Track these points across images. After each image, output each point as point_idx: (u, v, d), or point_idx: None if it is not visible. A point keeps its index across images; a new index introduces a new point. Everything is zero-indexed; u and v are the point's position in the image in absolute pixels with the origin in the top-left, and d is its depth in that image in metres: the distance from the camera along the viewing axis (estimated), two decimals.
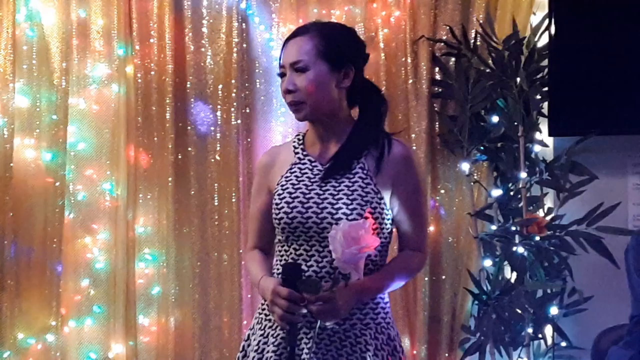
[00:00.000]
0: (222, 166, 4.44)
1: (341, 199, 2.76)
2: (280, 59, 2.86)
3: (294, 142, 2.95)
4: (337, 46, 2.83)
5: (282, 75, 2.85)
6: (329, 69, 2.80)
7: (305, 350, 2.75)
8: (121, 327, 4.41)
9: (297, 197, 2.79)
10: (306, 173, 2.85)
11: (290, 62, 2.80)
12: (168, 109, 4.43)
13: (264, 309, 2.87)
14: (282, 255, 2.83)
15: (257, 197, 2.97)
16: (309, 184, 2.82)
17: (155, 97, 4.44)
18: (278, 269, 2.81)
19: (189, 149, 4.46)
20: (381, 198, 2.80)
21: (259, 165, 3.02)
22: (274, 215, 2.83)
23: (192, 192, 4.44)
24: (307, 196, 2.79)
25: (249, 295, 4.42)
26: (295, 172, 2.86)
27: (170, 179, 4.42)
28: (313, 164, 2.86)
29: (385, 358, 2.82)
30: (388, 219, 2.83)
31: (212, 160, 4.44)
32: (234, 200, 4.41)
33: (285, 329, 2.71)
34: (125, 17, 4.42)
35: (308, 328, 2.76)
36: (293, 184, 2.83)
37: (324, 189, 2.80)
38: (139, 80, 4.44)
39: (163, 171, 4.44)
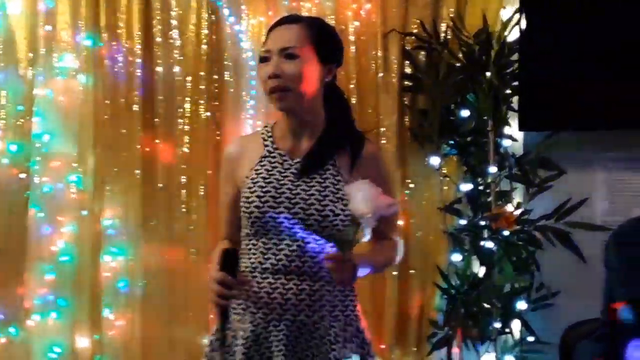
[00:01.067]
0: (191, 159, 4.42)
1: (313, 195, 2.77)
2: (265, 43, 2.82)
3: (263, 133, 2.93)
4: (326, 41, 2.84)
5: (265, 59, 2.80)
6: (317, 61, 2.80)
7: (275, 343, 2.77)
8: (86, 320, 4.40)
9: (269, 191, 2.79)
10: (277, 167, 2.84)
11: (279, 47, 2.77)
12: (136, 100, 4.41)
13: (233, 307, 2.86)
14: (249, 249, 2.83)
15: (225, 188, 2.96)
16: (280, 178, 2.81)
17: (122, 89, 4.44)
18: (250, 259, 2.81)
19: (157, 141, 4.44)
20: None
21: (226, 156, 3.00)
22: (244, 209, 2.82)
23: (160, 185, 4.43)
24: (279, 191, 2.79)
25: None
26: (265, 165, 2.85)
27: (137, 171, 4.41)
28: (283, 158, 2.85)
29: (354, 350, 2.84)
30: None
31: (180, 153, 4.42)
32: (202, 193, 4.41)
33: (218, 313, 2.72)
34: (93, 7, 4.40)
35: (278, 320, 2.77)
36: (264, 178, 2.81)
37: (295, 184, 2.80)
38: (107, 72, 4.41)
39: (130, 164, 4.42)
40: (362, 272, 2.75)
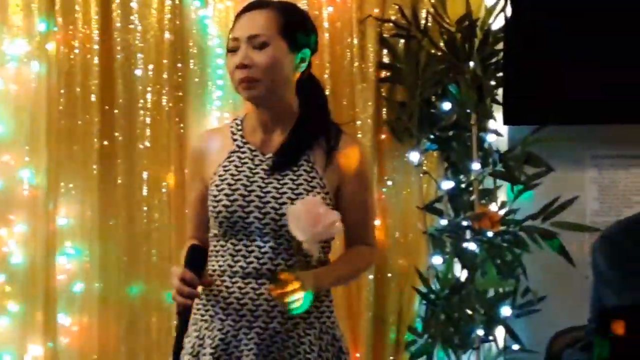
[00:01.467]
0: (152, 154, 4.36)
1: (285, 193, 2.76)
2: (233, 31, 2.80)
3: (232, 127, 2.92)
4: (298, 27, 2.84)
5: (232, 49, 2.78)
6: (288, 49, 2.79)
7: (245, 352, 2.76)
8: (39, 327, 4.31)
9: (238, 189, 2.78)
10: (246, 163, 2.82)
11: (248, 35, 2.75)
12: (93, 90, 4.33)
13: (199, 309, 2.85)
14: (217, 251, 2.82)
15: (192, 185, 2.97)
16: (250, 175, 2.80)
17: (79, 77, 4.36)
18: (218, 262, 2.81)
19: (116, 134, 4.37)
20: (327, 193, 2.81)
21: (193, 151, 3.03)
22: (211, 208, 2.81)
23: (119, 182, 4.36)
24: (249, 189, 2.78)
25: None
26: (234, 161, 2.83)
27: (95, 166, 4.34)
28: (254, 153, 2.83)
29: (330, 359, 2.85)
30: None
31: (141, 147, 4.36)
32: (164, 190, 4.35)
33: (177, 312, 2.71)
34: None
35: (249, 328, 2.75)
36: (233, 175, 2.80)
37: (266, 181, 2.79)
38: (62, 59, 4.34)
39: (87, 158, 4.35)
40: (323, 285, 2.79)
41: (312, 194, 2.75)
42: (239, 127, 2.89)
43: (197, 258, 2.72)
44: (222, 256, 2.79)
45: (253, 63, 2.74)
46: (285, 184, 2.78)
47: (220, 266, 2.79)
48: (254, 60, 2.74)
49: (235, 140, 2.87)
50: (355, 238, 2.91)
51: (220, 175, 2.82)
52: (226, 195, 2.77)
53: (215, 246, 2.84)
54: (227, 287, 2.77)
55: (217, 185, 2.81)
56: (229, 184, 2.79)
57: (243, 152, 2.84)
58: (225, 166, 2.83)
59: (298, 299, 2.65)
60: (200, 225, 2.92)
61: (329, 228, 2.65)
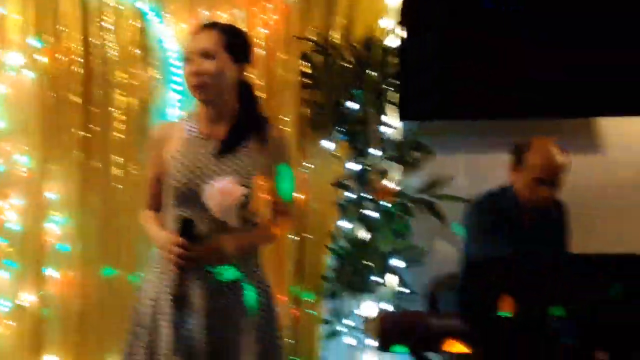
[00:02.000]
0: (123, 142, 4.48)
1: (228, 172, 2.83)
2: (187, 46, 2.91)
3: (184, 119, 2.98)
4: (239, 43, 2.92)
5: (186, 60, 2.88)
6: (231, 60, 2.86)
7: (196, 298, 2.82)
8: (32, 279, 4.43)
9: (190, 168, 2.84)
10: (196, 148, 2.89)
11: (199, 50, 2.84)
12: (76, 93, 4.46)
13: (158, 263, 2.92)
14: (171, 217, 2.87)
15: (152, 166, 3.00)
16: (200, 157, 2.86)
17: (64, 82, 4.47)
18: (172, 227, 2.85)
19: (94, 126, 4.49)
20: (261, 173, 2.90)
21: (153, 138, 3.04)
22: (167, 183, 2.88)
23: (97, 164, 4.48)
24: (197, 166, 2.85)
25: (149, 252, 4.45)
26: (186, 146, 2.89)
27: (76, 153, 4.46)
28: (202, 140, 2.90)
29: (262, 303, 2.92)
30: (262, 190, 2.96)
31: (116, 138, 4.48)
32: (134, 172, 4.46)
33: (178, 274, 2.78)
34: (39, 13, 4.44)
35: (198, 279, 2.82)
36: (185, 156, 2.87)
37: (213, 164, 2.86)
38: (50, 68, 4.46)
39: (71, 147, 4.47)
40: (235, 248, 2.82)
41: (247, 174, 2.81)
42: (190, 120, 2.93)
43: (189, 227, 2.75)
44: (175, 221, 2.82)
45: (203, 71, 2.81)
46: (228, 165, 2.83)
47: (173, 229, 2.81)
48: (204, 69, 2.81)
49: (187, 130, 2.90)
50: (277, 209, 2.96)
51: (175, 157, 2.86)
52: (180, 172, 2.82)
53: (168, 212, 2.88)
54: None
55: (173, 165, 2.85)
56: (182, 164, 2.83)
57: (193, 140, 2.89)
58: (179, 150, 2.87)
59: (219, 270, 2.77)
60: (157, 198, 2.95)
61: (235, 201, 2.71)
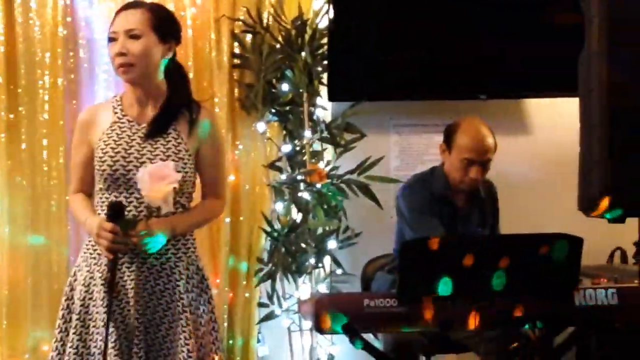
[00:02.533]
0: (50, 124, 4.40)
1: (158, 155, 2.83)
2: (112, 25, 2.87)
3: (112, 103, 2.95)
4: (165, 22, 2.90)
5: (112, 39, 2.85)
6: (158, 40, 2.85)
7: (128, 282, 2.83)
8: None
9: (119, 152, 2.83)
10: (125, 131, 2.88)
11: (124, 29, 2.82)
12: (1, 73, 4.36)
13: (88, 248, 2.92)
14: (103, 202, 2.88)
15: (79, 149, 2.97)
16: (129, 141, 2.85)
17: None
18: (103, 211, 2.85)
19: (20, 108, 4.40)
20: (190, 155, 2.89)
21: (80, 122, 3.00)
22: (97, 167, 2.86)
23: (24, 147, 4.41)
24: (128, 151, 2.84)
25: (73, 232, 4.43)
26: (115, 129, 2.88)
27: (2, 135, 4.37)
28: (131, 123, 2.89)
29: (196, 285, 2.94)
30: (194, 172, 2.94)
31: (41, 119, 4.40)
32: (61, 154, 4.40)
33: (109, 259, 2.77)
34: None
35: (130, 263, 2.83)
36: (115, 140, 2.85)
37: (142, 146, 2.85)
38: None
39: None
40: (177, 230, 2.83)
41: (177, 157, 2.81)
42: (119, 103, 2.93)
43: (118, 212, 2.76)
44: (107, 206, 2.82)
45: (129, 51, 2.80)
46: (158, 148, 2.83)
47: (105, 214, 2.82)
48: (129, 49, 2.80)
49: (115, 113, 2.90)
50: (209, 192, 2.99)
51: (104, 141, 2.85)
52: (110, 156, 2.82)
53: (100, 198, 2.89)
54: None
55: (102, 149, 2.84)
56: (112, 148, 2.83)
57: (122, 123, 2.88)
58: (108, 134, 2.86)
59: (148, 242, 2.75)
60: (85, 181, 2.96)
61: (167, 186, 2.73)
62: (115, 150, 2.83)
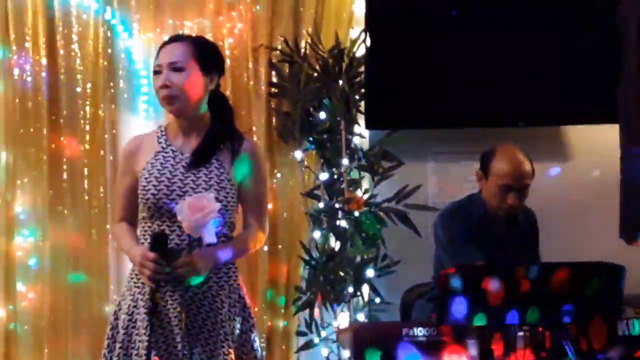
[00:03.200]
0: (91, 154, 4.46)
1: (200, 184, 2.85)
2: (157, 59, 2.90)
3: (157, 133, 2.99)
4: (208, 55, 2.93)
5: (157, 72, 2.88)
6: (200, 72, 2.88)
7: (172, 310, 2.84)
8: (1, 293, 4.38)
9: (162, 181, 2.86)
10: (169, 161, 2.90)
11: (168, 62, 2.85)
12: (43, 104, 4.42)
13: (132, 277, 2.94)
14: (145, 231, 2.90)
15: (123, 178, 2.99)
16: (172, 170, 2.88)
17: (31, 94, 4.43)
18: (146, 239, 2.87)
19: (62, 139, 4.47)
20: (232, 185, 2.90)
21: (125, 151, 3.05)
22: (141, 196, 2.88)
23: (65, 176, 4.46)
24: (171, 181, 2.86)
25: (116, 263, 4.47)
26: (159, 159, 2.90)
27: (45, 166, 4.42)
28: (175, 153, 2.91)
29: (237, 313, 2.94)
30: (236, 202, 2.94)
31: (82, 148, 4.46)
32: (101, 183, 4.45)
33: (152, 288, 2.78)
34: (3, 23, 4.40)
35: (173, 291, 2.84)
36: (158, 170, 2.88)
37: (185, 176, 2.87)
38: (17, 79, 4.41)
39: (39, 159, 4.43)
40: (211, 263, 2.82)
41: (219, 187, 2.82)
42: (163, 133, 2.96)
43: (161, 242, 2.76)
44: (148, 236, 2.84)
45: (173, 83, 2.83)
46: (200, 177, 2.85)
47: (146, 244, 2.84)
48: (173, 81, 2.83)
49: (160, 143, 2.93)
50: (251, 222, 2.98)
51: (148, 170, 2.87)
52: (154, 185, 2.84)
53: (143, 227, 2.90)
54: None
55: (146, 178, 2.86)
56: (155, 177, 2.85)
57: (166, 153, 2.91)
58: (152, 163, 2.88)
59: (192, 276, 2.77)
60: (128, 210, 2.97)
61: (206, 217, 2.70)
62: (159, 180, 2.86)
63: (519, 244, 3.80)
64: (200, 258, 2.79)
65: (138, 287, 2.90)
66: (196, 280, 2.81)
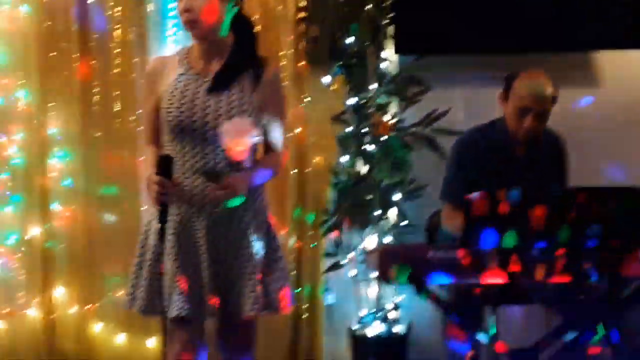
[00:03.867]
0: (121, 77, 4.47)
1: (221, 107, 2.87)
2: None
3: (179, 55, 3.00)
4: None
5: None
6: None
7: (198, 230, 2.89)
8: (37, 213, 4.45)
9: (184, 103, 2.88)
10: (191, 84, 2.92)
11: None
12: (72, 25, 4.43)
13: None
14: (171, 151, 2.91)
15: (148, 100, 3.02)
16: (194, 92, 2.90)
17: (59, 15, 4.44)
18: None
19: (93, 62, 4.48)
20: (253, 110, 2.91)
21: (148, 71, 3.08)
22: (164, 117, 2.92)
23: (95, 99, 4.48)
24: (193, 103, 2.89)
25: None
26: (181, 81, 2.92)
27: (76, 87, 4.45)
28: (196, 76, 2.93)
29: (263, 234, 2.99)
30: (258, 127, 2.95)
31: (112, 72, 4.47)
32: (132, 106, 4.46)
33: (158, 209, 2.83)
34: None
35: (199, 213, 2.88)
36: (181, 92, 2.90)
37: (206, 98, 2.89)
38: (45, 2, 4.42)
39: (69, 81, 4.46)
40: (247, 185, 2.87)
41: (240, 111, 2.84)
42: (186, 56, 2.97)
43: (167, 165, 2.80)
44: (175, 155, 2.87)
45: (193, 8, 2.84)
46: (221, 101, 2.87)
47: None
48: (194, 5, 2.84)
49: (181, 66, 2.95)
50: (273, 145, 3.00)
51: (171, 92, 2.90)
52: (176, 107, 2.88)
53: (168, 146, 2.93)
54: (181, 180, 2.87)
55: (168, 100, 2.90)
56: (178, 99, 2.88)
57: (188, 76, 2.93)
58: (175, 85, 2.91)
59: (231, 197, 2.81)
60: (154, 130, 3.00)
61: (249, 140, 2.79)
62: (181, 102, 2.88)
63: (542, 170, 3.77)
64: (240, 180, 2.84)
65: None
66: (235, 203, 2.84)
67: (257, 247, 2.95)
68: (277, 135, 3.01)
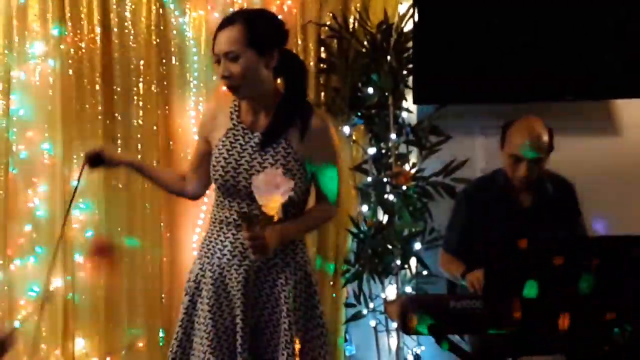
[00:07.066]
0: (144, 129, 4.47)
1: (267, 167, 2.83)
2: (214, 47, 2.84)
3: (231, 108, 2.96)
4: (262, 32, 2.82)
5: (217, 61, 2.84)
6: (257, 55, 2.80)
7: (235, 283, 2.86)
8: (60, 264, 4.41)
9: (230, 162, 2.87)
10: (239, 140, 2.90)
11: (224, 52, 2.80)
12: (97, 81, 4.44)
13: (203, 247, 2.97)
14: (217, 205, 2.94)
15: (199, 139, 3.06)
16: (241, 151, 2.87)
17: (85, 71, 4.45)
18: (215, 215, 2.93)
19: (116, 114, 4.49)
20: (301, 164, 2.86)
21: (208, 109, 3.14)
22: (212, 172, 2.91)
23: (119, 151, 4.43)
24: (239, 162, 2.86)
25: (168, 235, 4.52)
26: (230, 137, 2.90)
27: (99, 140, 4.41)
28: (245, 131, 2.90)
29: (302, 291, 2.93)
30: (305, 180, 2.90)
31: (135, 124, 4.48)
32: (154, 158, 4.46)
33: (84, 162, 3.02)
34: (58, 2, 4.40)
35: (239, 265, 2.86)
36: (228, 150, 2.89)
37: (253, 156, 2.86)
38: (72, 57, 4.43)
39: (93, 134, 4.45)
40: (278, 241, 2.79)
41: (276, 167, 2.77)
42: (236, 108, 2.93)
43: (252, 220, 2.70)
44: (222, 209, 2.90)
45: (231, 73, 2.79)
46: (267, 159, 2.83)
47: (219, 216, 2.91)
48: (231, 71, 2.78)
49: (232, 119, 2.92)
50: (322, 197, 2.95)
51: (219, 148, 2.90)
52: (222, 167, 2.87)
53: (216, 200, 2.94)
54: (224, 232, 2.88)
55: (216, 157, 2.89)
56: (224, 158, 2.87)
57: (237, 130, 2.90)
58: (223, 141, 2.90)
59: (259, 251, 2.73)
60: (194, 169, 3.04)
61: (283, 194, 2.65)
62: (227, 161, 2.87)
63: (552, 217, 3.68)
64: (271, 235, 2.74)
65: (207, 257, 2.92)
66: (261, 255, 2.78)
67: (295, 305, 2.88)
68: (329, 184, 2.95)
